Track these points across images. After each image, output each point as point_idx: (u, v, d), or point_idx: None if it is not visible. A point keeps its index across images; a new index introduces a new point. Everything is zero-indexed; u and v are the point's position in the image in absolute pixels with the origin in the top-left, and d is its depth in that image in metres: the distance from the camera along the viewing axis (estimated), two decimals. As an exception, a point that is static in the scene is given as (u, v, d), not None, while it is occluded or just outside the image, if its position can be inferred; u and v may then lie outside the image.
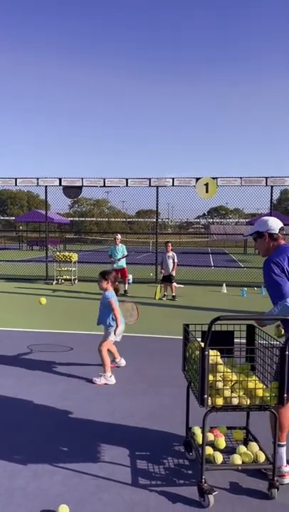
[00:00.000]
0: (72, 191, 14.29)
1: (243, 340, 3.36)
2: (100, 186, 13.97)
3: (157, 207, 14.08)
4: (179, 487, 3.01)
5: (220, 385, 2.88)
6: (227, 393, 2.87)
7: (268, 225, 3.19)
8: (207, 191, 13.06)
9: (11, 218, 37.29)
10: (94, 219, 44.51)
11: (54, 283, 13.57)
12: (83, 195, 15.99)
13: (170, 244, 11.33)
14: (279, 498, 2.88)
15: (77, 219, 43.54)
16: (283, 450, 3.11)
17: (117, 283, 5.42)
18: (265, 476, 3.08)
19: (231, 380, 2.92)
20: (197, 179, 13.14)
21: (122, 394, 4.64)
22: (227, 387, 2.89)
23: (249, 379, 2.96)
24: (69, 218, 39.00)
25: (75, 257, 13.68)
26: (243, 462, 3.03)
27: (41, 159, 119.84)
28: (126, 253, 11.60)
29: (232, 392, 2.89)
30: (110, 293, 5.13)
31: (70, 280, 13.65)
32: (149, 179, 13.57)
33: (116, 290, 5.30)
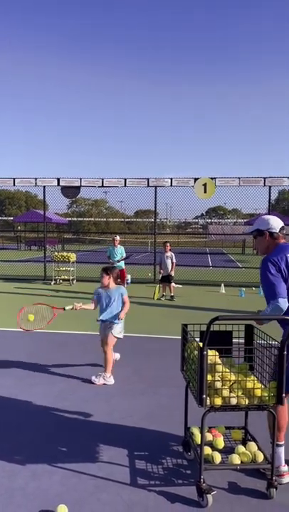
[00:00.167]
0: (70, 191, 14.28)
1: (242, 340, 3.37)
2: (98, 186, 13.97)
3: (156, 207, 14.10)
4: (178, 487, 3.01)
5: (218, 384, 2.89)
6: (226, 393, 2.87)
7: (269, 223, 3.19)
8: (205, 191, 13.07)
9: (9, 218, 37.20)
10: (92, 219, 44.47)
11: (52, 283, 13.56)
12: (81, 195, 16.00)
13: (168, 244, 11.34)
14: (277, 497, 2.89)
15: (75, 219, 43.49)
16: (282, 450, 3.12)
17: (119, 280, 5.41)
18: (263, 475, 3.09)
19: (230, 380, 2.93)
20: (195, 179, 13.15)
21: (121, 394, 4.65)
22: (226, 387, 2.90)
23: (247, 379, 2.97)
24: (67, 218, 38.96)
25: (73, 257, 13.68)
26: (241, 462, 3.04)
27: (41, 159, 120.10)
28: (125, 255, 11.58)
29: (230, 392, 2.90)
30: (124, 289, 5.15)
31: (68, 280, 13.65)
32: (148, 179, 13.58)
33: None
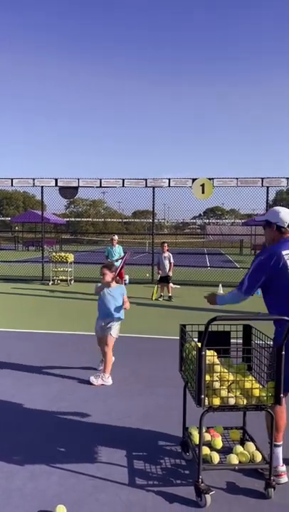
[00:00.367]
0: (68, 192, 14.27)
1: (240, 341, 3.37)
2: (96, 187, 13.97)
3: (153, 207, 14.10)
4: (176, 487, 3.01)
5: (217, 385, 2.89)
6: (224, 393, 2.88)
7: (278, 216, 3.19)
8: (203, 192, 13.08)
9: (7, 219, 37.17)
10: (90, 219, 44.45)
11: (50, 283, 13.55)
12: (79, 196, 16.00)
13: (166, 244, 11.35)
14: (275, 497, 2.89)
15: (73, 219, 43.46)
16: (279, 450, 3.13)
17: (118, 278, 5.40)
18: (261, 475, 3.09)
19: (228, 380, 2.94)
20: (193, 180, 13.16)
21: (119, 394, 4.65)
22: (224, 387, 2.91)
23: (246, 379, 2.97)
24: (65, 219, 38.92)
25: (71, 257, 13.66)
26: (239, 462, 3.05)
27: (41, 159, 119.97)
28: (123, 254, 11.59)
29: (229, 392, 2.90)
30: (124, 289, 5.14)
31: (66, 281, 13.64)
32: (146, 180, 13.59)
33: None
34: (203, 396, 2.79)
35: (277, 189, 14.63)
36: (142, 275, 14.75)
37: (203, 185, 13.03)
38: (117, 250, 11.48)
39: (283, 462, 3.14)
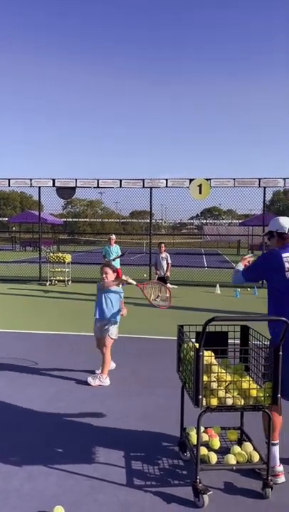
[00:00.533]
0: (65, 192, 14.26)
1: (237, 341, 3.38)
2: (94, 187, 13.96)
3: (151, 208, 14.10)
4: (174, 487, 3.02)
5: (214, 385, 2.90)
6: (221, 394, 2.89)
7: (278, 223, 3.32)
8: (200, 192, 13.10)
9: (4, 219, 37.02)
10: (87, 220, 44.39)
11: (47, 284, 13.54)
12: (77, 196, 15.97)
13: (163, 245, 11.34)
14: (273, 497, 2.90)
15: (70, 220, 43.40)
16: (276, 449, 3.14)
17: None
18: (259, 475, 3.10)
19: (226, 381, 2.94)
20: (191, 180, 13.18)
21: (117, 395, 4.65)
22: (221, 387, 2.91)
23: (243, 379, 2.98)
24: (62, 219, 38.86)
25: (68, 257, 13.65)
26: (237, 462, 3.05)
27: (41, 159, 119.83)
28: (120, 253, 11.60)
29: (226, 392, 2.91)
30: (122, 293, 5.17)
31: (63, 281, 13.63)
32: (143, 180, 13.59)
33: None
34: (200, 396, 2.79)
35: (274, 190, 14.65)
36: (140, 275, 14.74)
37: (200, 186, 13.05)
38: (115, 250, 11.48)
39: (280, 462, 3.15)
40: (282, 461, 3.21)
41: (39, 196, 14.53)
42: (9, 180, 14.24)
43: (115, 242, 11.72)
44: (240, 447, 3.21)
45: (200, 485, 2.83)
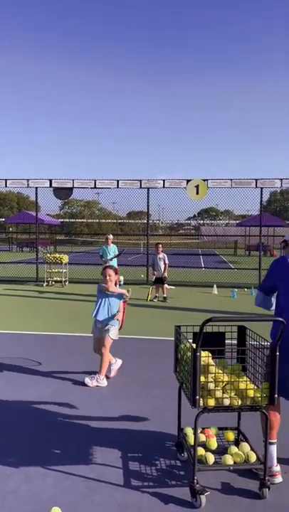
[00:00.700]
0: (62, 193, 14.25)
1: (234, 341, 3.39)
2: (91, 188, 13.95)
3: (148, 208, 14.12)
4: (171, 488, 3.02)
5: (211, 386, 2.90)
6: (218, 394, 2.89)
7: None
8: (198, 193, 13.11)
9: (1, 220, 36.99)
10: (84, 220, 44.39)
11: (44, 285, 13.51)
12: (74, 197, 15.98)
13: (161, 245, 11.35)
14: (270, 497, 2.91)
15: (67, 220, 43.40)
16: (274, 448, 3.15)
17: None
18: (256, 475, 3.11)
19: (223, 381, 2.94)
20: (188, 181, 13.19)
21: (114, 396, 4.65)
22: (218, 388, 2.91)
23: (240, 380, 2.98)
24: (59, 220, 38.85)
25: (65, 258, 13.64)
26: (234, 462, 3.06)
27: (41, 159, 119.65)
28: (117, 253, 11.60)
29: (223, 392, 2.91)
30: (122, 299, 5.21)
31: (60, 282, 13.61)
32: (140, 181, 13.60)
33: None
34: (198, 397, 2.79)
35: (270, 190, 14.71)
36: (137, 276, 14.75)
37: (197, 186, 13.06)
38: (112, 249, 11.49)
39: (278, 462, 3.16)
40: (282, 461, 3.21)
41: (36, 197, 14.52)
42: (6, 180, 14.21)
43: (112, 242, 11.72)
44: (238, 447, 3.21)
45: (197, 485, 2.83)
